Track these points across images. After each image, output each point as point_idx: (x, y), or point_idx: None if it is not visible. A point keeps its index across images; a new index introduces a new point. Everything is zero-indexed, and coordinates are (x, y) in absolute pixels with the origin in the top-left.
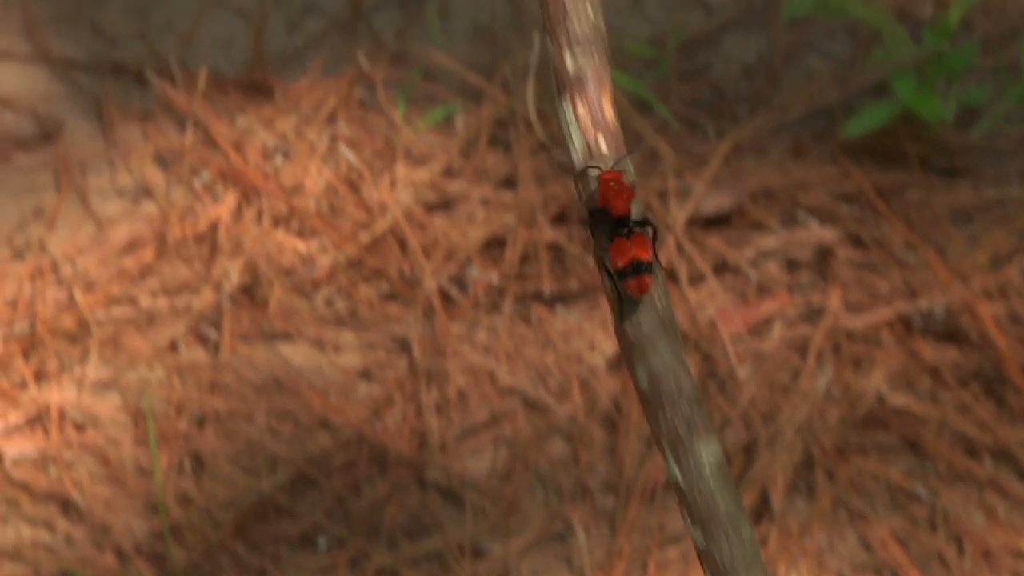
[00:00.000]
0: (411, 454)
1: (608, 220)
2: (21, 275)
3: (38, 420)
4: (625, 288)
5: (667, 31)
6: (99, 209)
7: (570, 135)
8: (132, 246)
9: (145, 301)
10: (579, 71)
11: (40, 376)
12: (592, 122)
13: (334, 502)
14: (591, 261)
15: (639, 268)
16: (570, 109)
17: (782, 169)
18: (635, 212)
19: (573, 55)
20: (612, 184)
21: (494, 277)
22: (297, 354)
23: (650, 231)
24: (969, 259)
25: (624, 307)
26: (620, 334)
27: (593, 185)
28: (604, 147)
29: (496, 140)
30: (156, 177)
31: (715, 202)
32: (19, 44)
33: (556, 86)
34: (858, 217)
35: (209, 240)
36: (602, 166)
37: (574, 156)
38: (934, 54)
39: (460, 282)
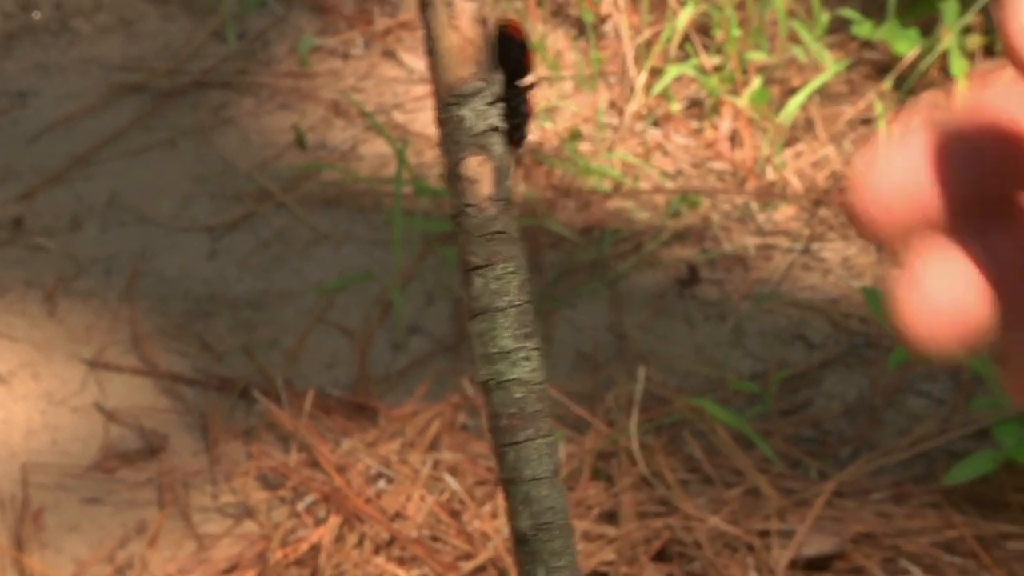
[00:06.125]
0: None
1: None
2: None
3: None
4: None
5: (769, 366)
6: (201, 527)
7: None
8: (233, 567)
9: None
10: None
11: None
12: None
13: None
14: None
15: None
16: None
17: (884, 514)
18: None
19: None
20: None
21: None
22: None
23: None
24: None
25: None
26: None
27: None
28: None
29: (598, 472)
30: (259, 497)
31: (817, 546)
32: (126, 357)
33: None
34: (960, 567)
35: (310, 564)
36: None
37: None
38: None
39: None
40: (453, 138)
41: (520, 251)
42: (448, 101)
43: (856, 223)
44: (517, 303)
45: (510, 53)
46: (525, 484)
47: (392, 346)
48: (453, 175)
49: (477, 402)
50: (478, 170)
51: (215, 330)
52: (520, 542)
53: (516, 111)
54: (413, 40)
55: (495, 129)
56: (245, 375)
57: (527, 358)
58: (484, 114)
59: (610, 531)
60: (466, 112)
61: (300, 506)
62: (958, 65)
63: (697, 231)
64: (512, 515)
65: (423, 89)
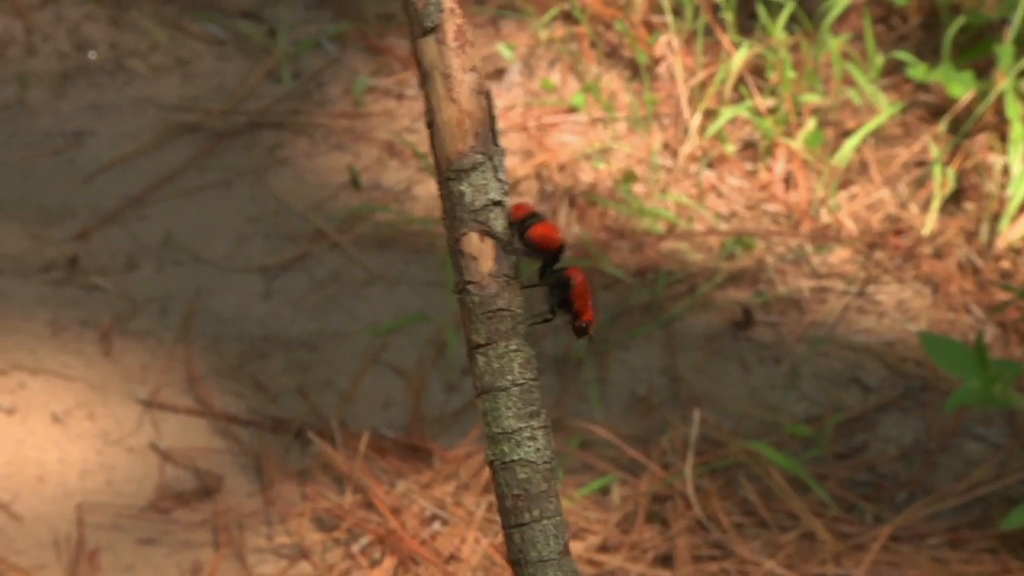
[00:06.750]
0: None
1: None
2: None
3: None
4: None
5: (824, 410)
6: (256, 568)
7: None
8: None
9: None
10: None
11: None
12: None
13: None
14: None
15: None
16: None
17: (940, 559)
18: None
19: None
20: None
21: None
22: None
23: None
24: None
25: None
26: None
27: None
28: None
29: (653, 515)
30: (313, 538)
31: None
32: (181, 397)
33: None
34: None
35: None
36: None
37: None
38: None
39: None
40: (454, 213)
41: (524, 328)
42: (447, 176)
43: None
44: (520, 382)
45: (529, 232)
46: (531, 566)
47: (446, 387)
48: (455, 251)
49: None
50: (479, 246)
51: (270, 370)
52: None
53: (560, 293)
54: None
55: (496, 203)
56: (299, 416)
57: (532, 438)
58: (484, 189)
59: (665, 575)
60: (465, 187)
61: (355, 547)
62: (1014, 108)
63: (751, 273)
64: None
65: None
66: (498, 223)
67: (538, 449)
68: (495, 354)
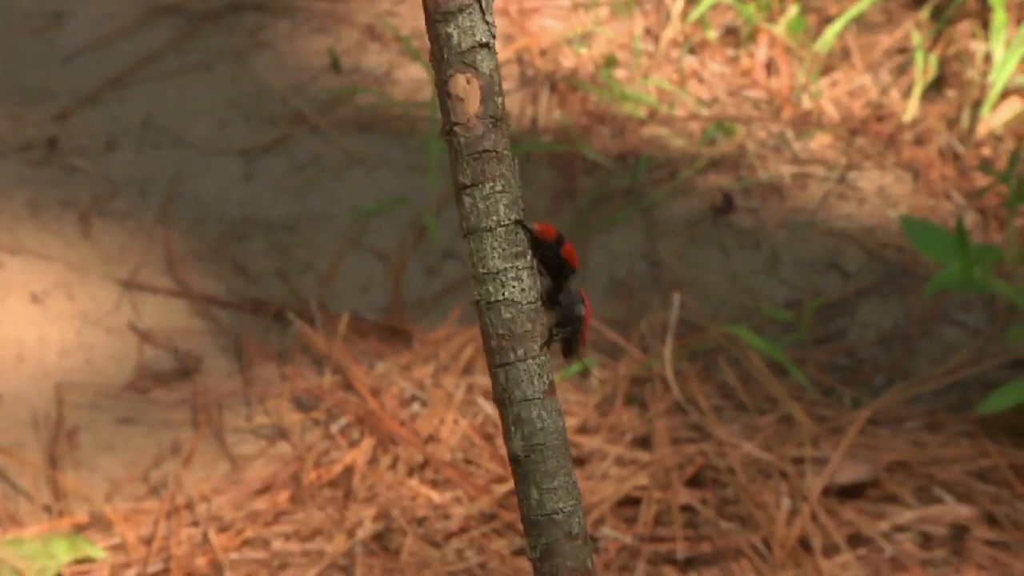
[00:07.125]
0: None
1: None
2: (157, 513)
3: None
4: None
5: (804, 295)
6: (235, 448)
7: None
8: (267, 488)
9: (278, 545)
10: None
11: None
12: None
13: None
14: (725, 526)
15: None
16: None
17: (918, 442)
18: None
19: None
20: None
21: (627, 538)
22: None
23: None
24: None
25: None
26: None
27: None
28: None
29: (632, 398)
30: (292, 418)
31: (851, 473)
32: (161, 278)
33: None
34: (994, 496)
35: (343, 485)
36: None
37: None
38: None
39: (593, 541)
40: (441, 56)
41: (510, 170)
42: (435, 18)
43: None
44: (506, 223)
45: (548, 254)
46: (516, 405)
47: (426, 270)
48: (442, 93)
49: None
50: (466, 88)
51: (249, 253)
52: (514, 463)
53: (570, 317)
54: None
55: (483, 46)
56: (279, 298)
57: (517, 278)
58: (471, 31)
59: (643, 456)
60: (453, 29)
61: (334, 428)
62: None
63: (732, 159)
64: (505, 436)
65: None
66: (485, 64)
67: (523, 289)
68: (481, 195)
